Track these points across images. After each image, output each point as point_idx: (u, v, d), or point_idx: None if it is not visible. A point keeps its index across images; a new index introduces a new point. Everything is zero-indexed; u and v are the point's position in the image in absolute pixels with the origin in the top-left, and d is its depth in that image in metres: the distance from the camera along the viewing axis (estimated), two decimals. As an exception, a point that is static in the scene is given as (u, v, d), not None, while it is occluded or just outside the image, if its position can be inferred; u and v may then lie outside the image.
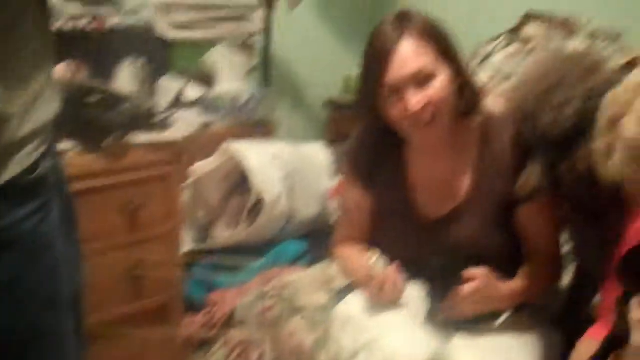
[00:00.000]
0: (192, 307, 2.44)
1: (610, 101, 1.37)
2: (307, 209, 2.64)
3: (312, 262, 2.48)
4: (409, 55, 1.72)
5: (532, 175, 1.65)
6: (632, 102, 1.31)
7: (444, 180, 1.87)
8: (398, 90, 1.72)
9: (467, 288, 1.74)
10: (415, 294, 1.83)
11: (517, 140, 1.69)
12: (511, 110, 1.69)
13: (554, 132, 1.58)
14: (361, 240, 1.97)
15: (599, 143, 1.37)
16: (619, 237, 1.63)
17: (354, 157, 1.97)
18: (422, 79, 1.72)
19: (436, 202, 1.88)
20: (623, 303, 1.47)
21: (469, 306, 1.76)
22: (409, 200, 1.89)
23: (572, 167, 1.61)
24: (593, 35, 2.75)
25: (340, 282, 2.06)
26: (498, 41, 2.93)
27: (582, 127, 1.54)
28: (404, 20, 1.76)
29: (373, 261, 1.82)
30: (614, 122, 1.33)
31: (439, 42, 1.76)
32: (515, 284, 1.82)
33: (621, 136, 1.31)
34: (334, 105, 3.44)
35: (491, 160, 1.84)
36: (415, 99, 1.71)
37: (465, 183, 1.86)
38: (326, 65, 3.49)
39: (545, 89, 1.61)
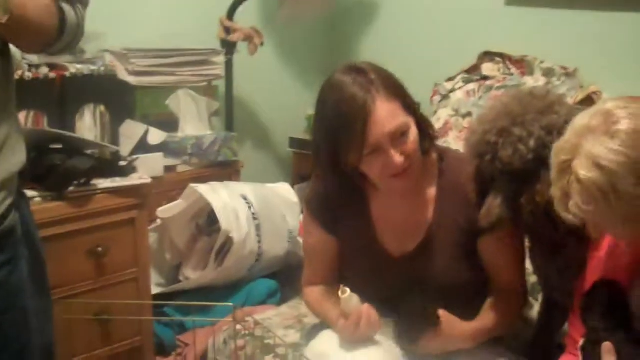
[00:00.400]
0: (163, 349, 2.42)
1: (559, 148, 1.39)
2: (276, 247, 2.65)
3: (283, 299, 2.48)
4: (385, 116, 1.72)
5: (494, 207, 1.68)
6: (579, 145, 1.34)
7: (406, 218, 1.89)
8: (378, 149, 1.73)
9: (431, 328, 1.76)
10: (387, 330, 1.84)
11: (477, 174, 1.71)
12: (472, 145, 1.71)
13: (514, 165, 1.62)
14: (329, 281, 1.98)
15: (554, 190, 1.39)
16: (579, 267, 1.67)
17: (315, 202, 1.97)
18: (399, 136, 1.74)
19: (401, 240, 1.90)
20: (588, 348, 1.50)
21: (431, 347, 1.78)
22: (374, 240, 1.91)
23: (531, 200, 1.64)
24: (549, 73, 2.83)
25: (312, 319, 2.07)
26: (457, 80, 2.99)
27: (540, 161, 1.58)
28: (365, 78, 1.74)
29: (346, 297, 1.81)
30: (566, 167, 1.36)
31: (401, 94, 1.78)
32: (477, 322, 1.84)
33: (574, 180, 1.33)
34: (298, 144, 3.47)
35: (450, 194, 1.86)
36: (397, 156, 1.74)
37: (427, 219, 1.88)
38: (289, 105, 3.53)
39: (506, 124, 1.64)
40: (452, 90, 2.97)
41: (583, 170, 1.31)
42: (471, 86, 2.92)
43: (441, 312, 1.77)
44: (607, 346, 1.44)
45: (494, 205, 1.69)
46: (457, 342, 1.80)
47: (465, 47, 3.05)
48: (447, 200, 1.87)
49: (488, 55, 2.99)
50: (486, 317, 1.85)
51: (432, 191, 1.89)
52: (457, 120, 2.89)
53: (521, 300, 1.93)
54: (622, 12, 2.77)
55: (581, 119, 1.39)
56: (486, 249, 1.86)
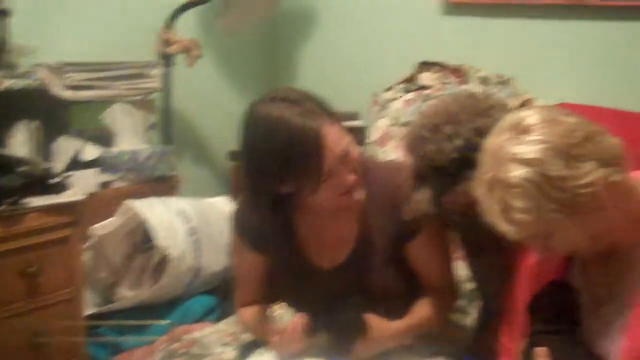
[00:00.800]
0: (99, 371, 2.37)
1: (480, 173, 1.42)
2: (214, 264, 2.61)
3: (221, 316, 2.45)
4: (334, 140, 1.72)
5: (420, 202, 1.71)
6: (498, 157, 1.37)
7: (333, 231, 1.90)
8: (333, 173, 1.73)
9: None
10: (322, 343, 1.84)
11: (412, 169, 1.74)
12: (408, 139, 1.76)
13: (437, 161, 1.65)
14: (262, 299, 1.98)
15: (490, 209, 1.40)
16: (509, 270, 1.68)
17: (242, 222, 1.96)
18: (346, 155, 1.75)
19: (329, 253, 1.91)
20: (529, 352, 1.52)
21: (362, 350, 1.80)
22: (303, 256, 1.92)
23: (455, 200, 1.66)
24: (485, 81, 2.86)
25: (248, 336, 2.05)
26: (395, 89, 3.00)
27: (466, 162, 1.59)
28: (303, 108, 1.73)
29: (280, 313, 1.83)
30: (494, 182, 1.38)
31: (334, 113, 1.78)
32: (407, 319, 1.87)
33: (507, 187, 1.35)
34: (237, 158, 3.44)
35: (377, 203, 1.87)
36: (350, 175, 1.76)
37: (353, 230, 1.89)
38: (227, 118, 3.47)
39: (439, 121, 1.68)
40: (391, 100, 2.98)
41: (510, 172, 1.34)
42: (409, 96, 2.94)
43: (369, 317, 1.80)
44: (540, 351, 1.45)
45: (420, 200, 1.72)
46: (388, 342, 1.84)
47: (403, 57, 3.08)
48: (374, 209, 1.88)
49: (425, 65, 3.01)
50: (416, 313, 1.89)
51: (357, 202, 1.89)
52: (396, 130, 2.89)
53: (450, 297, 1.97)
54: (556, 20, 2.83)
55: (490, 140, 1.42)
56: (414, 253, 1.89)
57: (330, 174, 1.73)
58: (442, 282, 1.93)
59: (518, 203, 1.35)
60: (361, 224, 1.89)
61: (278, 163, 1.72)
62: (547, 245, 1.44)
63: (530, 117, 1.39)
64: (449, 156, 1.65)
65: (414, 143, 1.73)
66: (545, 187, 1.32)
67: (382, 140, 2.90)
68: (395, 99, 2.98)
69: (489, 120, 1.61)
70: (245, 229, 1.96)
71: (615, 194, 1.37)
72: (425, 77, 3.00)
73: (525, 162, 1.33)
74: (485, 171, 1.41)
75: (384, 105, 3.00)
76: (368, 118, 3.05)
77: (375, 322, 1.82)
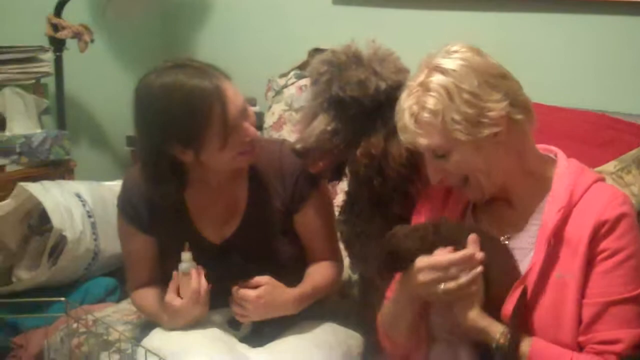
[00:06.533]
0: (-2, 352, 2.33)
1: (409, 88, 1.56)
2: (113, 245, 2.60)
3: (122, 297, 2.46)
4: (234, 93, 1.77)
5: (316, 130, 1.75)
6: (423, 71, 1.54)
7: (222, 204, 1.94)
8: (235, 127, 1.76)
9: (251, 293, 1.83)
10: (219, 318, 1.91)
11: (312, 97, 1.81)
12: (313, 65, 1.80)
13: (363, 92, 1.70)
14: (154, 280, 2.00)
15: (402, 116, 1.55)
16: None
17: (128, 205, 1.97)
18: (245, 109, 1.81)
19: (219, 227, 1.95)
20: None
21: (256, 312, 1.85)
22: (192, 230, 1.94)
23: (367, 152, 1.72)
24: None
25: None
26: (289, 76, 3.06)
27: (384, 108, 1.66)
28: (196, 69, 1.77)
29: (183, 275, 1.86)
30: (415, 89, 1.54)
31: (224, 73, 1.82)
32: (299, 288, 1.92)
33: (424, 90, 1.51)
34: (134, 142, 3.42)
35: (263, 177, 1.94)
36: (251, 128, 1.81)
37: (242, 203, 1.94)
38: (123, 104, 3.44)
39: (366, 56, 1.75)
40: (285, 86, 3.03)
41: (430, 77, 1.51)
42: (303, 82, 3.00)
43: (265, 279, 1.85)
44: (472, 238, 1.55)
45: (317, 128, 1.75)
46: (281, 308, 1.88)
47: (297, 44, 3.12)
48: (261, 182, 1.94)
49: (318, 52, 3.07)
50: (307, 283, 1.95)
51: (244, 174, 1.94)
52: (290, 115, 2.96)
53: (337, 266, 2.03)
54: (444, 10, 2.91)
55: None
56: (301, 224, 1.96)
57: (234, 129, 1.77)
58: (328, 252, 2.00)
59: (429, 104, 1.50)
60: (249, 197, 1.93)
61: (180, 126, 1.74)
62: (443, 166, 1.56)
63: (459, 45, 1.57)
64: (372, 92, 1.70)
65: (320, 68, 1.75)
66: (456, 97, 1.49)
67: (278, 125, 2.95)
68: (289, 85, 3.04)
69: (405, 80, 1.69)
70: (131, 209, 1.95)
71: (515, 136, 1.54)
72: (319, 63, 3.06)
73: (445, 72, 1.51)
74: (413, 79, 1.56)
75: (279, 91, 3.05)
76: (264, 104, 3.10)
77: (272, 284, 1.86)
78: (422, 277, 1.51)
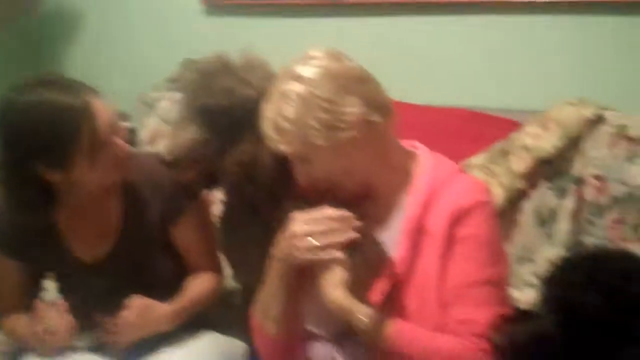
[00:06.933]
0: None
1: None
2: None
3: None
4: (102, 109, 1.75)
5: (183, 139, 1.72)
6: (291, 68, 1.55)
7: (96, 222, 1.90)
8: (105, 143, 1.73)
9: (125, 316, 1.80)
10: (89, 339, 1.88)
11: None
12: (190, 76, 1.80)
13: (230, 101, 1.68)
14: (25, 306, 1.91)
15: (266, 121, 1.56)
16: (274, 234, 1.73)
17: None
18: (115, 123, 1.79)
19: (92, 246, 1.90)
20: None
21: (131, 333, 1.82)
22: (64, 250, 1.90)
23: (237, 160, 1.69)
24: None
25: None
26: (162, 89, 3.00)
27: (252, 117, 1.64)
28: (62, 86, 1.74)
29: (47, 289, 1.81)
30: (270, 96, 1.55)
31: (90, 88, 1.80)
32: (174, 304, 1.90)
33: (280, 96, 1.53)
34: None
35: (139, 192, 1.91)
36: (121, 141, 1.78)
37: (117, 219, 1.90)
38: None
39: (233, 65, 1.74)
40: (158, 99, 2.97)
41: (287, 86, 1.53)
42: (177, 94, 2.94)
43: (133, 301, 1.81)
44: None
45: (186, 138, 1.72)
46: (154, 326, 1.85)
47: (169, 57, 3.07)
48: (136, 197, 1.90)
49: (191, 63, 3.02)
50: (184, 296, 1.92)
51: (117, 190, 1.90)
52: (164, 129, 2.89)
53: (216, 277, 2.02)
54: (321, 18, 2.92)
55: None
56: (179, 237, 1.94)
57: (103, 146, 1.73)
58: (210, 261, 1.99)
59: (287, 112, 1.52)
60: (124, 214, 1.89)
61: (46, 147, 1.70)
62: (308, 171, 1.58)
63: (320, 50, 1.59)
64: (240, 100, 1.68)
65: (202, 79, 1.73)
66: (312, 104, 1.51)
67: (152, 139, 2.89)
68: (162, 98, 2.98)
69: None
70: None
71: (374, 137, 1.56)
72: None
73: (301, 80, 1.53)
74: (274, 87, 1.57)
75: (152, 104, 2.99)
76: (137, 119, 3.02)
77: (144, 303, 1.82)
78: (296, 227, 1.53)
